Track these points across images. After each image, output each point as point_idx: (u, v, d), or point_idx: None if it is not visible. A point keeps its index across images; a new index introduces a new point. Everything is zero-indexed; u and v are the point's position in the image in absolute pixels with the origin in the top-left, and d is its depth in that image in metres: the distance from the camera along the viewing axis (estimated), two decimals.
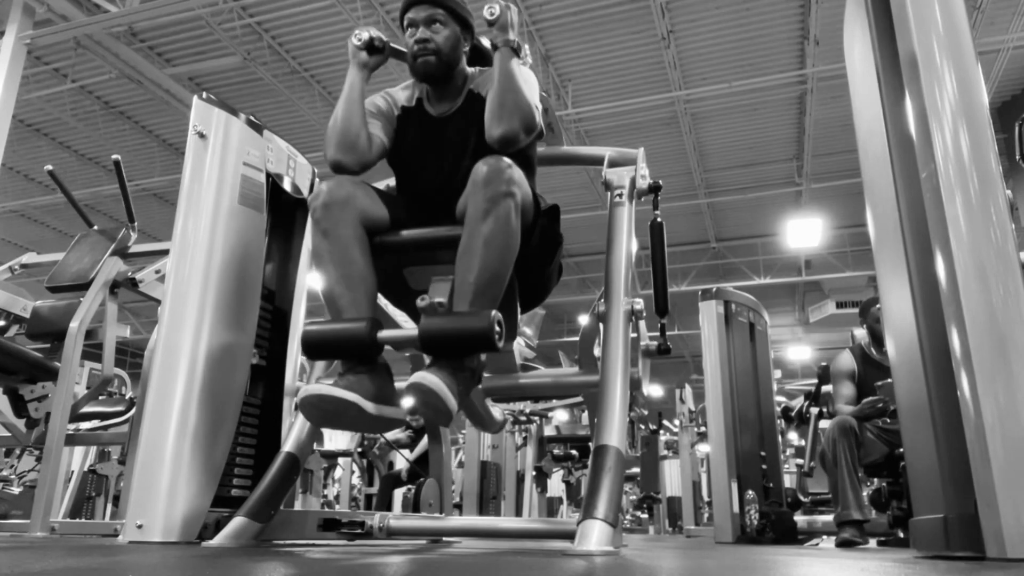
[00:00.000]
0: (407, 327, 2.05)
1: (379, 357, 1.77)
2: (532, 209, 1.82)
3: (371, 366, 1.73)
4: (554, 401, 6.61)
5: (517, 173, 1.74)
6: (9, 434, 2.99)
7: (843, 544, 3.28)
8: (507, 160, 1.74)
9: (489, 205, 1.70)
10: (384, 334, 1.73)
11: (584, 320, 2.26)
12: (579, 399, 5.89)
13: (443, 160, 2.01)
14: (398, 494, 6.19)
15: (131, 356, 13.67)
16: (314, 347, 1.74)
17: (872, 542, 3.55)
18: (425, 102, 2.09)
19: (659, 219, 2.18)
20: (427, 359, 1.75)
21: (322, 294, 1.83)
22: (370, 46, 2.00)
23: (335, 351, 1.76)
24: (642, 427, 8.07)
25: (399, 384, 1.87)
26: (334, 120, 1.95)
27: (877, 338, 3.74)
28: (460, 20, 2.02)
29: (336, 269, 1.79)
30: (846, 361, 3.84)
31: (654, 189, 2.24)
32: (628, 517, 11.55)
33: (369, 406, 1.64)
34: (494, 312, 1.63)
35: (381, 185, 2.33)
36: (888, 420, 3.42)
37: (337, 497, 8.17)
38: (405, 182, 2.12)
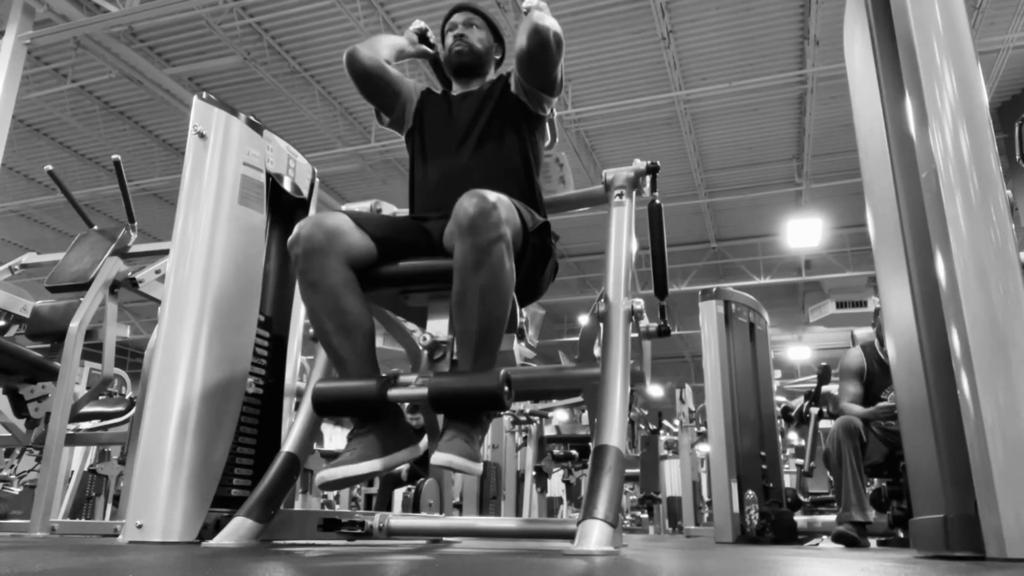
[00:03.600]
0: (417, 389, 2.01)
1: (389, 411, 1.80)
2: (522, 237, 1.81)
3: (379, 420, 1.77)
4: (554, 401, 6.61)
5: (504, 209, 1.68)
6: (9, 434, 2.99)
7: (839, 537, 3.27)
8: (491, 199, 1.66)
9: (480, 255, 1.65)
10: (394, 393, 1.76)
11: (584, 320, 2.26)
12: (579, 399, 5.89)
13: (455, 128, 2.10)
14: (398, 494, 6.19)
15: (131, 356, 13.67)
16: (325, 406, 1.79)
17: (872, 542, 3.54)
18: (450, 94, 2.24)
19: (657, 201, 2.16)
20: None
21: (319, 340, 1.87)
22: (423, 35, 2.29)
23: (346, 410, 1.81)
24: (642, 427, 8.07)
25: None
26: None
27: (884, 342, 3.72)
28: (493, 30, 2.28)
29: (330, 320, 1.80)
30: (856, 359, 3.75)
31: (651, 170, 2.24)
32: (628, 517, 11.55)
33: (379, 464, 1.71)
34: (503, 372, 1.64)
35: (366, 205, 2.48)
36: (893, 422, 3.41)
37: (337, 497, 8.16)
38: (419, 156, 2.17)
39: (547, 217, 2.06)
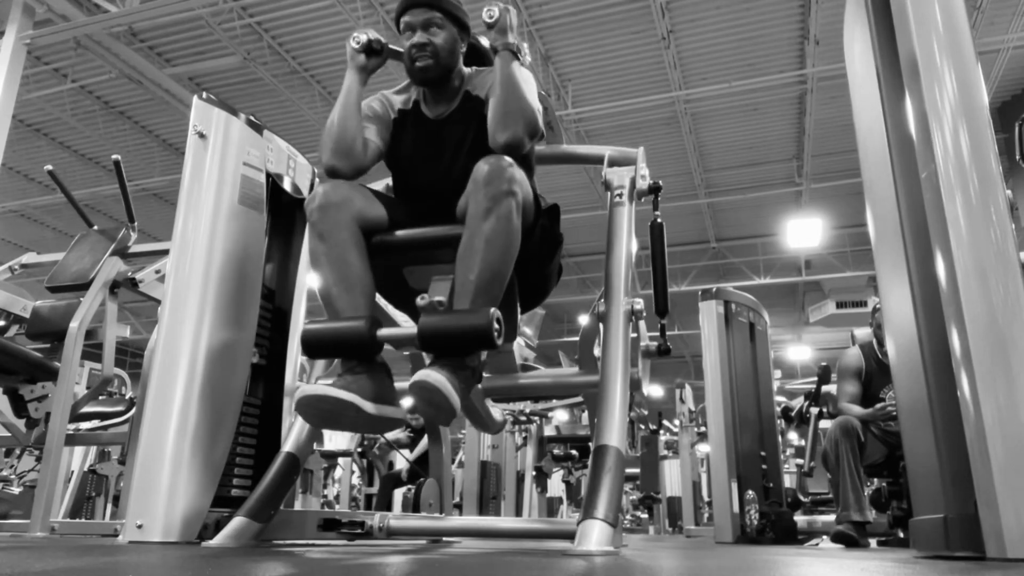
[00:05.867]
0: (407, 327, 2.05)
1: (378, 356, 1.76)
2: (533, 209, 1.82)
3: (370, 366, 1.72)
4: (554, 401, 6.61)
5: (518, 172, 1.74)
6: (9, 434, 2.99)
7: (838, 537, 3.27)
8: (508, 159, 1.74)
9: (491, 204, 1.69)
10: (383, 332, 1.72)
11: (584, 320, 2.26)
12: (579, 399, 5.89)
13: (440, 162, 2.01)
14: (398, 494, 6.19)
15: (131, 356, 13.68)
16: (313, 346, 1.74)
17: (872, 542, 3.54)
18: (422, 104, 2.08)
19: (659, 220, 2.18)
20: (427, 358, 1.75)
21: (320, 296, 1.83)
22: (368, 48, 2.00)
23: (334, 350, 1.76)
24: (642, 427, 8.07)
25: (400, 384, 1.88)
26: (330, 125, 1.94)
27: (882, 341, 3.71)
28: (457, 22, 2.00)
29: (333, 271, 1.79)
30: (854, 358, 3.74)
31: (654, 190, 2.24)
32: (628, 517, 11.56)
33: (368, 406, 1.63)
34: (493, 309, 1.62)
35: (379, 185, 2.33)
36: (892, 423, 3.40)
37: (337, 497, 8.16)
38: (402, 184, 2.12)
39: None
